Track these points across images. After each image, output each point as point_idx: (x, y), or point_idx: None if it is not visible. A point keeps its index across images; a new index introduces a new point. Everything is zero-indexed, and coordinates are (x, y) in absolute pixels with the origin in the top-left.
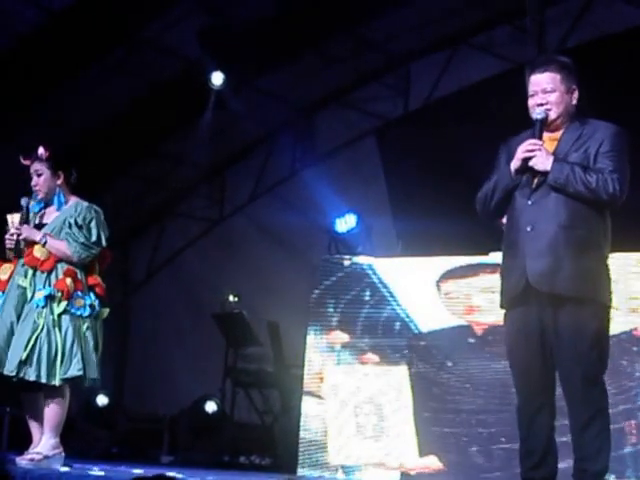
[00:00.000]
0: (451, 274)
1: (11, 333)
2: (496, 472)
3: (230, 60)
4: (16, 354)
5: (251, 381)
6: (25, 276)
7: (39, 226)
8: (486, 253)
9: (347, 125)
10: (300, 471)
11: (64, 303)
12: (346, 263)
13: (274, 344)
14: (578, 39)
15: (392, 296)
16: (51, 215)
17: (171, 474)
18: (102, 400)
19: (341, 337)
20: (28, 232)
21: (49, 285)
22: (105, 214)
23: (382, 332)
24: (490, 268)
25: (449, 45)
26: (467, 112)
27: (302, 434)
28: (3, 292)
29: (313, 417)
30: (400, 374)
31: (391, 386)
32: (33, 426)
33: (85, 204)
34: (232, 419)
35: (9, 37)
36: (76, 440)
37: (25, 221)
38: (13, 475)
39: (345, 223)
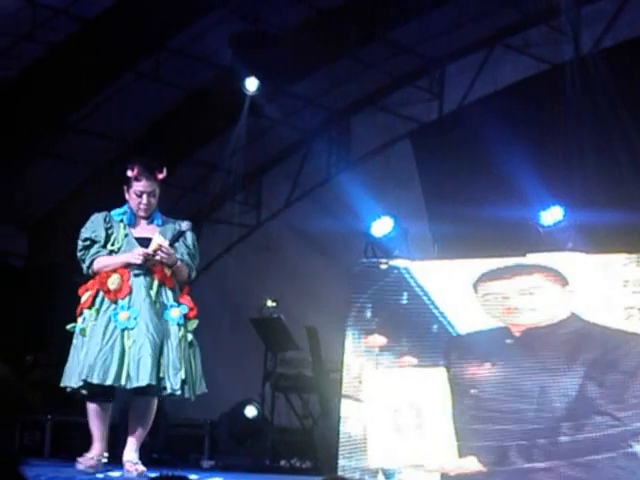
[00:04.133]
0: (488, 276)
1: (160, 349)
2: (535, 474)
3: (264, 66)
4: (174, 373)
5: (290, 385)
6: (151, 287)
7: (143, 240)
8: (523, 254)
9: (382, 129)
10: (340, 474)
11: (196, 321)
12: (383, 267)
13: (313, 348)
14: (613, 39)
15: (429, 299)
16: (151, 229)
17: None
18: None
19: (379, 340)
20: (170, 258)
21: (176, 301)
22: None
23: (420, 335)
24: (527, 269)
25: (484, 46)
26: (503, 114)
27: (341, 437)
28: (114, 301)
29: (352, 420)
30: (439, 376)
31: (430, 388)
32: (103, 431)
33: (184, 222)
34: (272, 423)
35: (41, 46)
36: (118, 447)
37: (172, 243)
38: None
39: (381, 227)
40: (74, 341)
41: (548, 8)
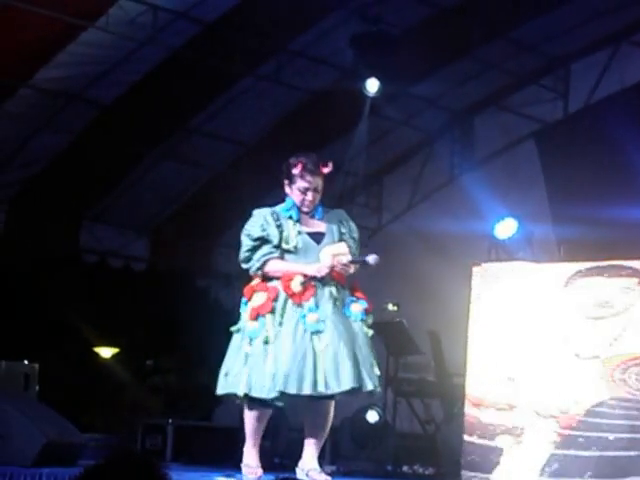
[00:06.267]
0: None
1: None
2: None
3: (385, 67)
4: (371, 370)
5: (413, 390)
6: (330, 285)
7: (314, 235)
8: None
9: (505, 129)
10: None
11: (372, 316)
12: (506, 268)
13: (435, 353)
14: None
15: (554, 302)
16: (316, 223)
17: None
18: None
19: (503, 345)
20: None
21: (352, 296)
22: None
23: (543, 340)
24: None
25: (610, 43)
26: (630, 113)
27: (465, 443)
28: (299, 304)
29: (476, 426)
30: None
31: (561, 395)
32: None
33: (342, 212)
34: (394, 428)
35: (164, 49)
36: (238, 451)
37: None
38: None
39: (505, 229)
40: (250, 349)
41: None
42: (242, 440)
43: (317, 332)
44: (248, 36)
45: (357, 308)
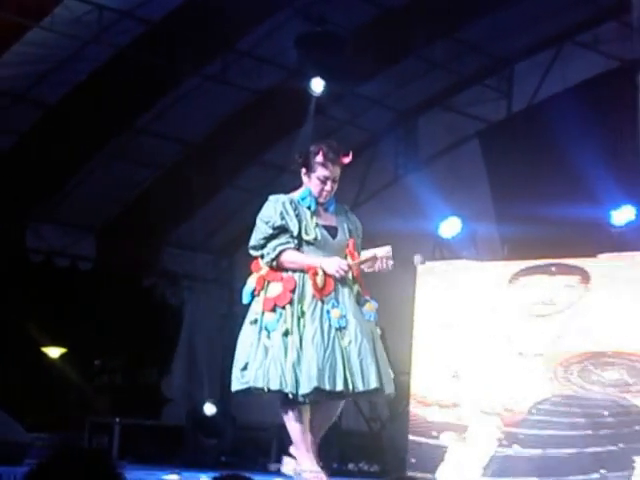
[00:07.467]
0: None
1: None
2: None
3: (330, 66)
4: (386, 372)
5: None
6: (347, 281)
7: (330, 229)
8: (594, 255)
9: (450, 129)
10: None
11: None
12: (450, 268)
13: None
14: None
15: (498, 300)
16: (328, 217)
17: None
18: (210, 409)
19: (447, 343)
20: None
21: (362, 296)
22: (209, 225)
23: (490, 337)
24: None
25: (553, 44)
26: (573, 112)
27: (410, 441)
28: (321, 299)
29: (421, 424)
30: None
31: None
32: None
33: (346, 207)
34: (340, 427)
35: (109, 49)
36: (185, 450)
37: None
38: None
39: (449, 228)
40: (269, 342)
41: (619, 4)
42: (187, 439)
43: (340, 328)
44: (194, 36)
45: (370, 308)
